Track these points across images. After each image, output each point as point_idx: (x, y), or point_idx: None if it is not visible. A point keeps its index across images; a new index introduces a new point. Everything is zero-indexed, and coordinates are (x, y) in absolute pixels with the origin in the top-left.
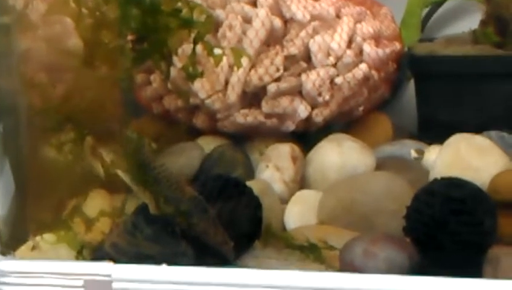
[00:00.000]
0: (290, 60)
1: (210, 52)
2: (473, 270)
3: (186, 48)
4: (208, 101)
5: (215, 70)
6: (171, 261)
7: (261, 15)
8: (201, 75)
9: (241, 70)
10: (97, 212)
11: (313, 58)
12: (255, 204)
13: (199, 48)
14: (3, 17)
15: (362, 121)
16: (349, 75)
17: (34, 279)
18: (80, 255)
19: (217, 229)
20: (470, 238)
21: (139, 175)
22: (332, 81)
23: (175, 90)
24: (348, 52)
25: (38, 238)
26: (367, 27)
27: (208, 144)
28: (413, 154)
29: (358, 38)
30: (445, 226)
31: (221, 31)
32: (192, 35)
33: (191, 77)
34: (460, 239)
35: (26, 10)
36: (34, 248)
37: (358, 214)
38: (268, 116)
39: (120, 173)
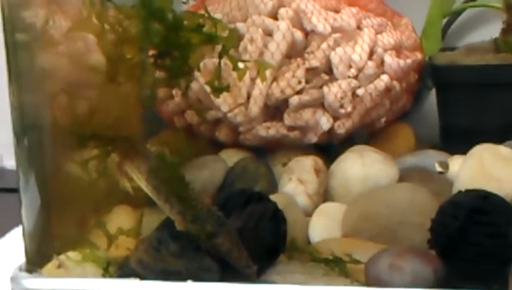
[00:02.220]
0: (311, 72)
1: (235, 66)
2: (497, 282)
3: (208, 62)
4: (230, 115)
5: (237, 84)
6: (197, 277)
7: (282, 28)
8: (228, 88)
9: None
10: (120, 229)
11: (335, 70)
12: (280, 218)
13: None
14: (23, 35)
15: (384, 132)
16: (371, 86)
17: None
18: (106, 272)
19: (241, 252)
20: (494, 251)
21: (166, 191)
22: (354, 93)
23: (195, 105)
24: (370, 63)
25: (62, 257)
26: (388, 38)
27: (231, 157)
28: (438, 168)
29: (380, 50)
30: (471, 238)
31: (242, 44)
32: (216, 49)
33: (217, 91)
34: (485, 251)
35: (46, 27)
36: (59, 266)
37: (382, 227)
38: (290, 128)
39: (146, 189)
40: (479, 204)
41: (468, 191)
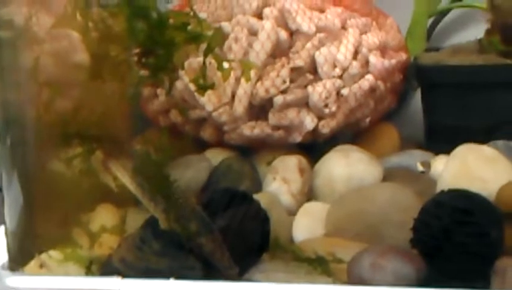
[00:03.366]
0: (296, 72)
1: (220, 66)
2: (480, 281)
3: (192, 61)
4: (214, 114)
5: (221, 83)
6: (180, 276)
7: (267, 27)
8: (213, 86)
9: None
10: (103, 227)
11: (319, 70)
12: (263, 217)
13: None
14: (5, 32)
15: (369, 132)
16: (355, 86)
17: None
18: (88, 271)
19: (223, 252)
20: (477, 250)
21: (151, 190)
22: (338, 93)
23: (179, 104)
24: (354, 63)
25: (44, 256)
26: (373, 38)
27: (215, 156)
28: (420, 167)
29: (364, 50)
30: (453, 237)
31: (227, 43)
32: (201, 48)
33: (202, 89)
34: (467, 250)
35: (28, 24)
36: (41, 266)
37: (365, 226)
38: (275, 128)
39: (131, 187)
40: (461, 203)
41: (450, 190)
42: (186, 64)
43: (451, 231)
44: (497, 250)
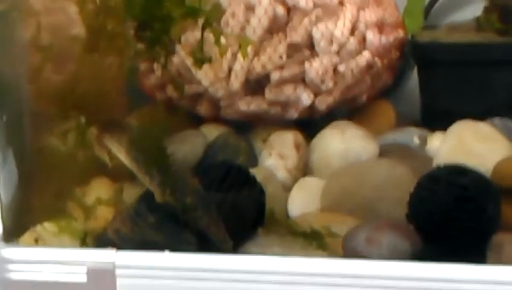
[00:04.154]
0: (293, 47)
1: (217, 40)
2: (476, 256)
3: (189, 35)
4: (211, 89)
5: (218, 58)
6: (174, 248)
7: (264, 3)
8: (210, 60)
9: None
10: (98, 200)
11: (316, 46)
12: (259, 191)
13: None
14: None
15: (365, 109)
16: (352, 62)
17: (37, 266)
18: (83, 243)
19: (218, 226)
20: (473, 225)
21: (147, 163)
22: (335, 69)
23: (175, 79)
24: (351, 39)
25: (39, 227)
26: (370, 14)
27: (211, 131)
28: (416, 140)
29: (362, 26)
30: (449, 212)
31: (224, 19)
32: (199, 22)
33: (200, 62)
34: (464, 225)
35: None
36: (36, 238)
37: (361, 201)
38: (271, 104)
39: (126, 161)
40: (458, 178)
41: (446, 165)
42: (183, 38)
43: (447, 205)
44: (494, 225)
